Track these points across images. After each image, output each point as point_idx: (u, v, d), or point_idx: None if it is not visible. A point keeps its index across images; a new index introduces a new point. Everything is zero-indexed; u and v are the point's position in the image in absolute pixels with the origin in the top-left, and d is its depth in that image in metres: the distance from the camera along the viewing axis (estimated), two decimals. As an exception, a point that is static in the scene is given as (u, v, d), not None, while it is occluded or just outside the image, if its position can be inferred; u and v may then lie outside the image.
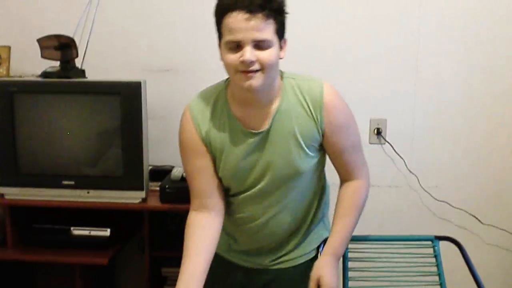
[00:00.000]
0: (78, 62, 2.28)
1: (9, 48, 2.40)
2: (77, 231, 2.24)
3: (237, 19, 1.29)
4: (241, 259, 1.67)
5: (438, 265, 1.93)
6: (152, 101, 2.28)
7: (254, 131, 1.45)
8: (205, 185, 1.51)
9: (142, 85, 2.13)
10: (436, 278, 1.93)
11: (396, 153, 2.43)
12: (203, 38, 2.41)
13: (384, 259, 1.92)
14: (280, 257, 1.64)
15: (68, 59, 2.22)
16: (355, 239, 1.96)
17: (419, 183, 2.45)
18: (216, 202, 1.53)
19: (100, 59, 2.42)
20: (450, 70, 2.40)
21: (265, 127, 1.45)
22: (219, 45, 1.38)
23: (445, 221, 2.49)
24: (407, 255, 1.94)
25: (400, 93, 2.42)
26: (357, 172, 1.59)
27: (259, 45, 1.31)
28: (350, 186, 1.60)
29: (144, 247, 2.25)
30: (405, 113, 2.44)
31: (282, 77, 1.47)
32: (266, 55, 1.33)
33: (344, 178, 1.61)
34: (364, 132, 2.45)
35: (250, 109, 1.45)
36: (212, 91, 1.51)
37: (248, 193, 1.53)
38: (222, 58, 1.37)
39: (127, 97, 2.13)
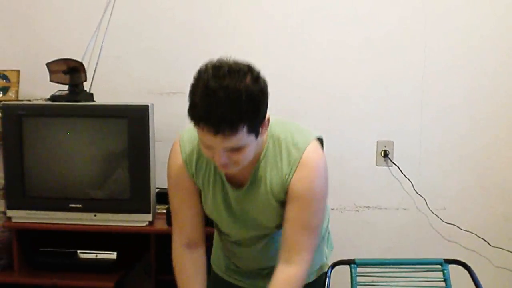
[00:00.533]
0: (86, 86, 2.30)
1: (18, 72, 2.42)
2: (83, 255, 2.24)
3: (204, 132, 1.21)
4: (239, 281, 1.67)
5: (448, 289, 1.91)
6: (159, 124, 2.29)
7: (234, 188, 1.43)
8: (190, 218, 1.51)
9: (150, 108, 2.15)
10: (446, 302, 1.92)
11: (404, 175, 2.43)
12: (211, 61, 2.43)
13: (393, 283, 1.91)
14: None
15: (76, 83, 2.24)
16: (363, 263, 1.95)
17: (427, 205, 2.44)
18: (202, 237, 1.55)
19: (108, 82, 2.44)
20: (457, 92, 2.41)
21: (245, 184, 1.42)
22: None
23: (454, 243, 2.47)
24: (416, 279, 1.93)
25: (406, 115, 2.43)
26: (298, 255, 1.41)
27: (232, 149, 1.25)
28: (285, 273, 1.42)
29: (151, 270, 2.24)
30: (412, 135, 2.44)
31: (268, 134, 1.40)
32: (239, 157, 1.27)
33: (282, 255, 1.43)
34: (371, 155, 2.45)
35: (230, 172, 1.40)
36: None
37: (235, 234, 1.54)
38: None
39: (134, 120, 2.14)
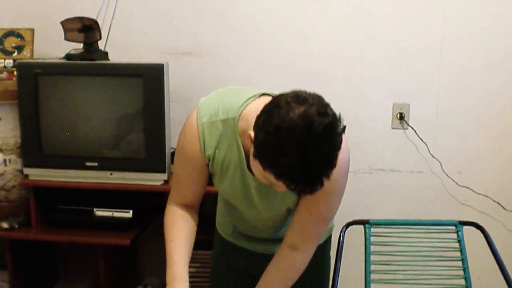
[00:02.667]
0: (101, 44, 2.29)
1: (32, 30, 2.41)
2: (100, 212, 2.27)
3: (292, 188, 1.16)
4: (244, 243, 1.67)
5: (462, 250, 1.92)
6: (174, 84, 2.28)
7: (256, 179, 1.35)
8: (192, 191, 1.50)
9: (165, 67, 2.13)
10: (459, 263, 1.93)
11: (419, 138, 2.41)
12: (226, 21, 2.41)
13: (407, 244, 1.92)
14: None
15: (91, 41, 2.22)
16: (377, 223, 1.96)
17: (442, 168, 2.43)
18: (198, 203, 1.54)
19: (123, 41, 2.42)
20: (475, 55, 2.37)
21: None
22: (254, 153, 1.20)
23: (468, 207, 2.47)
24: (430, 240, 1.94)
25: (424, 77, 2.39)
26: (304, 242, 1.43)
27: None
28: (290, 258, 1.44)
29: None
30: (428, 97, 2.41)
31: None
32: None
33: (288, 239, 1.44)
34: (387, 117, 2.44)
35: None
36: (222, 111, 1.35)
37: (246, 212, 1.52)
38: (252, 162, 1.23)
39: (149, 79, 2.13)
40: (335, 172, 1.25)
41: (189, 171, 1.46)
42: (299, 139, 1.09)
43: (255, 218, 1.54)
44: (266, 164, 1.16)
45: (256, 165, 1.21)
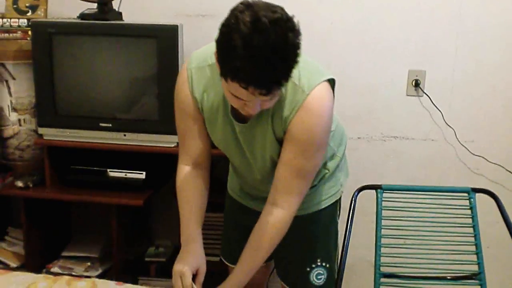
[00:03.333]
0: (115, 5, 2.27)
1: (46, -11, 2.40)
2: (113, 173, 2.29)
3: (247, 92, 1.18)
4: (250, 203, 1.71)
5: (474, 217, 1.92)
6: (189, 47, 2.26)
7: (239, 123, 1.42)
8: (196, 145, 1.53)
9: (179, 28, 2.12)
10: (470, 230, 1.93)
11: (434, 105, 2.39)
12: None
13: (419, 210, 1.92)
14: None
15: (105, 1, 2.21)
16: (390, 188, 1.96)
17: (456, 136, 2.41)
18: (207, 162, 1.57)
19: (137, 2, 2.40)
20: (493, 21, 2.31)
21: (249, 119, 1.41)
22: (219, 72, 1.24)
23: (480, 176, 2.46)
24: (442, 206, 1.94)
25: (441, 44, 2.35)
26: (285, 198, 1.43)
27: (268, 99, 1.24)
28: (270, 215, 1.44)
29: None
30: (445, 65, 2.37)
31: None
32: (270, 102, 1.27)
33: (270, 196, 1.45)
34: (402, 84, 2.41)
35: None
36: (211, 57, 1.38)
37: (243, 165, 1.55)
38: (222, 85, 1.28)
39: (163, 40, 2.12)
40: (312, 125, 1.32)
41: (186, 121, 1.51)
42: (245, 31, 1.12)
43: (248, 171, 1.56)
44: (222, 67, 1.19)
45: (224, 86, 1.25)
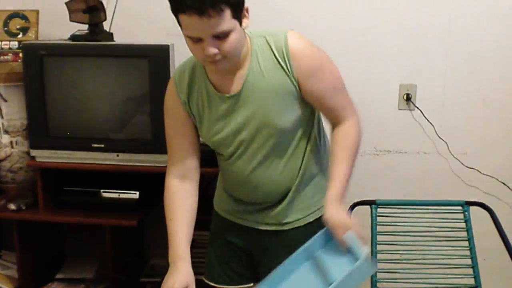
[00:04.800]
0: (106, 25, 2.28)
1: (37, 12, 2.40)
2: (106, 194, 2.28)
3: (190, 20, 1.27)
4: (241, 218, 1.68)
5: (468, 230, 1.93)
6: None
7: (227, 95, 1.47)
8: (184, 155, 1.56)
9: (170, 48, 2.12)
10: (466, 243, 1.93)
11: (426, 119, 2.40)
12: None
13: (413, 224, 1.92)
14: (279, 220, 1.63)
15: (96, 22, 2.21)
16: (384, 203, 1.96)
17: (449, 149, 2.42)
18: (195, 173, 1.59)
19: (128, 22, 2.40)
20: (483, 35, 2.34)
21: (237, 90, 1.46)
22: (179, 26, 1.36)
23: (474, 188, 2.46)
24: (436, 220, 1.94)
25: (431, 57, 2.37)
26: (344, 114, 1.53)
27: (219, 36, 1.30)
28: (340, 131, 1.54)
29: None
30: (436, 78, 2.39)
31: (249, 38, 1.46)
32: (227, 44, 1.32)
33: (333, 123, 1.56)
34: (394, 98, 2.42)
35: (223, 74, 1.46)
36: (192, 58, 1.51)
37: (237, 153, 1.55)
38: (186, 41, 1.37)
39: (155, 60, 2.12)
40: (307, 50, 1.45)
41: (175, 126, 1.55)
42: None
43: (242, 166, 1.55)
44: (171, 7, 1.31)
45: (186, 39, 1.34)
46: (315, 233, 1.64)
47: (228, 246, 1.71)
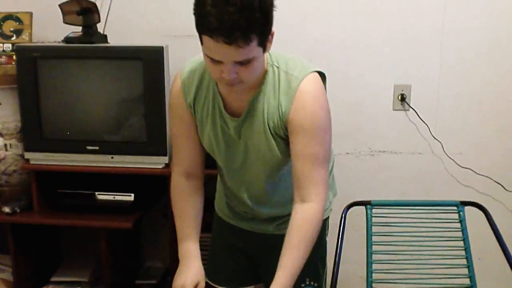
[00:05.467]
0: (100, 27, 2.27)
1: (31, 14, 2.39)
2: (101, 196, 2.27)
3: (215, 45, 1.19)
4: (241, 223, 1.69)
5: (463, 230, 1.93)
6: (175, 67, 2.26)
7: (232, 118, 1.43)
8: (190, 154, 1.53)
9: (164, 50, 2.12)
10: (461, 243, 1.93)
11: (421, 119, 2.40)
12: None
13: (409, 224, 1.92)
14: (278, 224, 1.63)
15: (90, 24, 2.21)
16: (379, 204, 1.96)
17: (443, 149, 2.42)
18: (201, 171, 1.56)
19: (122, 24, 2.40)
20: (477, 35, 2.35)
21: (242, 114, 1.42)
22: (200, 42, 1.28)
23: (469, 188, 2.47)
24: (431, 220, 1.94)
25: (425, 58, 2.38)
26: (311, 191, 1.40)
27: (241, 62, 1.25)
28: (301, 212, 1.40)
29: (168, 212, 2.27)
30: (430, 78, 2.39)
31: (269, 62, 1.40)
32: (247, 71, 1.27)
33: (298, 192, 1.42)
34: (388, 99, 2.42)
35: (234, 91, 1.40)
36: (201, 60, 1.44)
37: (230, 168, 1.54)
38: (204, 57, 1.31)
39: (149, 62, 2.12)
40: (313, 110, 1.35)
41: (180, 127, 1.51)
42: None
43: (238, 181, 1.55)
44: (196, 24, 1.22)
45: (204, 58, 1.28)
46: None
47: (229, 248, 1.71)
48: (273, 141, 1.42)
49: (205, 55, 1.27)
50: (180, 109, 1.48)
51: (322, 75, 1.43)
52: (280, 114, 1.38)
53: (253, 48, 1.22)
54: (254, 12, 1.18)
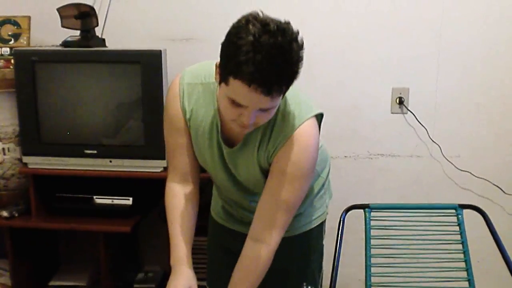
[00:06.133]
0: (98, 31, 2.27)
1: (29, 18, 2.39)
2: (100, 200, 2.27)
3: (248, 92, 1.16)
4: (235, 225, 1.68)
5: (462, 233, 1.93)
6: (173, 71, 2.26)
7: (226, 146, 1.41)
8: (185, 161, 1.51)
9: (163, 53, 2.12)
10: (459, 246, 1.93)
11: (419, 122, 2.40)
12: (224, 7, 2.39)
13: (407, 227, 1.92)
14: None
15: (88, 28, 2.21)
16: (377, 207, 1.96)
17: (442, 152, 2.43)
18: (196, 177, 1.55)
19: (120, 28, 2.40)
20: (474, 38, 2.35)
21: (236, 144, 1.41)
22: (220, 77, 1.23)
23: (467, 191, 2.47)
24: (430, 224, 1.94)
25: (423, 61, 2.38)
26: (266, 232, 1.39)
27: (265, 109, 1.23)
28: (251, 251, 1.41)
29: (165, 216, 2.27)
30: (428, 82, 2.40)
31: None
32: (265, 116, 1.26)
33: (252, 230, 1.42)
34: (386, 102, 2.43)
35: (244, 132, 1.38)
36: (204, 76, 1.40)
37: (223, 184, 1.54)
38: (218, 95, 1.27)
39: (147, 65, 2.12)
40: (299, 158, 1.32)
41: (175, 136, 1.48)
42: (254, 30, 1.14)
43: (232, 193, 1.55)
44: (226, 66, 1.18)
45: (222, 94, 1.23)
46: (311, 241, 1.65)
47: (225, 252, 1.70)
48: (260, 174, 1.42)
49: (227, 97, 1.21)
50: (176, 118, 1.45)
51: (320, 116, 1.41)
52: (268, 155, 1.37)
53: (279, 98, 1.22)
54: (292, 66, 1.17)
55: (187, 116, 1.44)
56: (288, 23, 1.19)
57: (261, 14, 1.19)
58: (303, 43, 1.20)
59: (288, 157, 1.33)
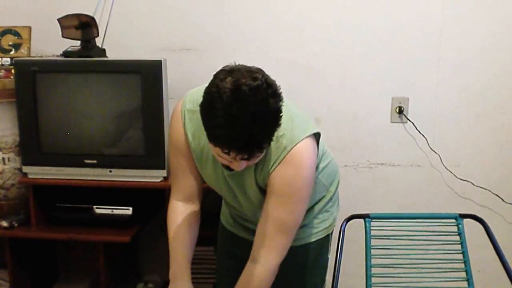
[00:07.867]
0: (98, 41, 2.28)
1: (29, 28, 2.40)
2: (99, 210, 2.26)
3: (230, 156, 1.22)
4: (243, 232, 1.69)
5: (462, 243, 1.92)
6: (173, 81, 2.27)
7: (226, 170, 1.42)
8: (188, 182, 1.54)
9: (163, 63, 2.13)
10: (460, 256, 1.93)
11: (419, 131, 2.41)
12: (224, 17, 2.40)
13: (407, 237, 1.92)
14: None
15: (88, 38, 2.22)
16: (378, 217, 1.96)
17: (442, 162, 2.43)
18: (199, 197, 1.57)
19: (120, 38, 2.41)
20: (474, 47, 2.36)
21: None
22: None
23: (467, 200, 2.47)
24: (430, 233, 1.93)
25: (422, 71, 2.39)
26: (263, 252, 1.40)
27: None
28: (248, 271, 1.43)
29: (165, 225, 2.26)
30: (428, 91, 2.40)
31: None
32: (253, 162, 1.29)
33: (253, 251, 1.43)
34: (386, 111, 2.43)
35: None
36: None
37: (228, 198, 1.56)
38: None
39: (147, 76, 2.13)
40: (294, 178, 1.33)
41: (179, 158, 1.51)
42: (225, 100, 1.14)
43: (238, 206, 1.57)
44: (206, 132, 1.22)
45: (211, 145, 1.26)
46: (315, 251, 1.64)
47: (233, 258, 1.71)
48: (261, 194, 1.44)
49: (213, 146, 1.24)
50: (179, 142, 1.48)
51: (317, 135, 1.42)
52: (264, 176, 1.39)
53: (263, 152, 1.26)
54: (268, 126, 1.19)
55: (190, 140, 1.46)
56: (261, 77, 1.18)
57: (233, 70, 1.19)
58: (279, 93, 1.20)
59: (281, 178, 1.35)
